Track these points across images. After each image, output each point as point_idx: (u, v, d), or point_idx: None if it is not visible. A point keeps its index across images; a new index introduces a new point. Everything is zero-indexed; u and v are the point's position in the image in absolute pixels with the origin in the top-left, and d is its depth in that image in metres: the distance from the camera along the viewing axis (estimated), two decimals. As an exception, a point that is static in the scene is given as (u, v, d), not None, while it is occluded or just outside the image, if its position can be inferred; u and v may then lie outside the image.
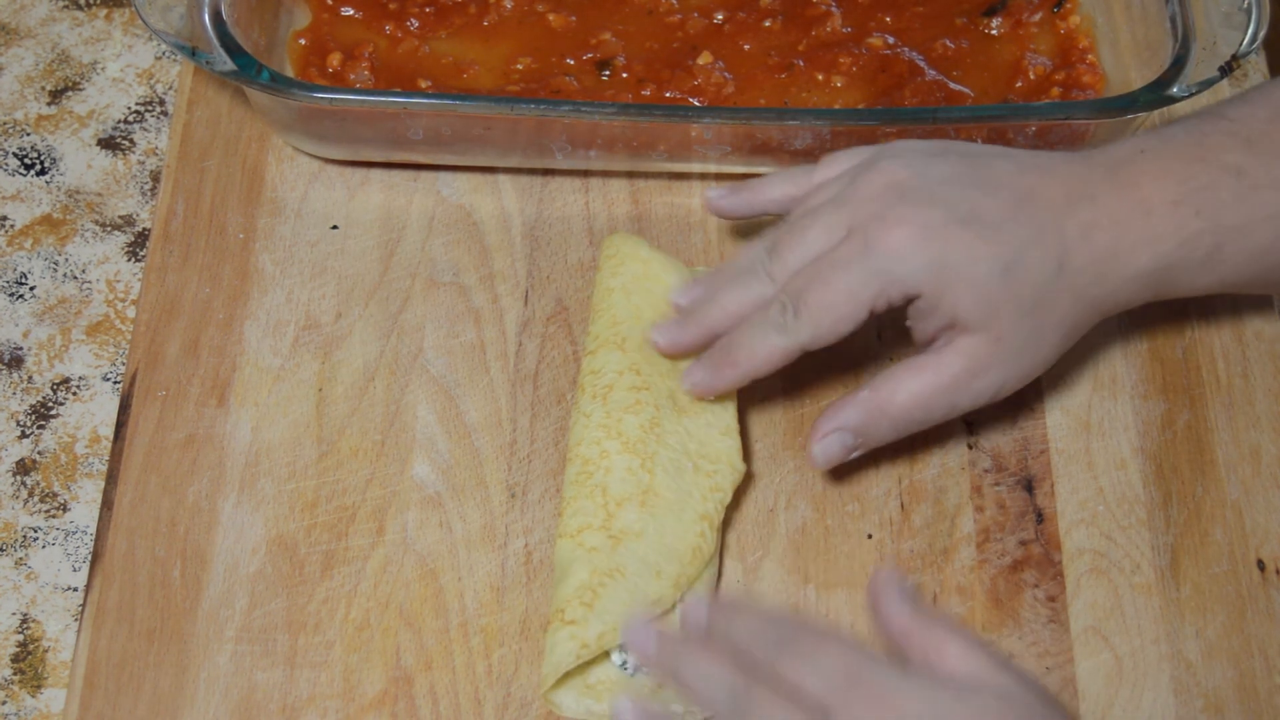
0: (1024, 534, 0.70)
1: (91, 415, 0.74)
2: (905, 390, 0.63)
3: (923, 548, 0.69)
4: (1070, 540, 0.70)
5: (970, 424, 0.73)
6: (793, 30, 0.81)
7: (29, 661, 0.68)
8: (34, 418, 0.74)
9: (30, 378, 0.75)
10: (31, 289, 0.77)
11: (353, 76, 0.77)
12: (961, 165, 0.63)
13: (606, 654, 0.64)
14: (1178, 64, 0.72)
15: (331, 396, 0.73)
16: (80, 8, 0.87)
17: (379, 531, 0.69)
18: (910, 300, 0.61)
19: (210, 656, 0.66)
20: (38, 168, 0.81)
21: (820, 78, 0.79)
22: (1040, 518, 0.70)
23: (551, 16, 0.81)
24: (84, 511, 0.72)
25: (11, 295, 0.77)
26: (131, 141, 0.82)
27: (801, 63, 0.79)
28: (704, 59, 0.79)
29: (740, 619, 0.56)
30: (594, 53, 0.80)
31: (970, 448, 0.72)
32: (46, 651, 0.68)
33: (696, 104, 0.77)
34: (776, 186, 0.68)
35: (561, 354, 0.74)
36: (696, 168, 0.78)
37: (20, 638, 0.68)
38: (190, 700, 0.65)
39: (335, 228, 0.78)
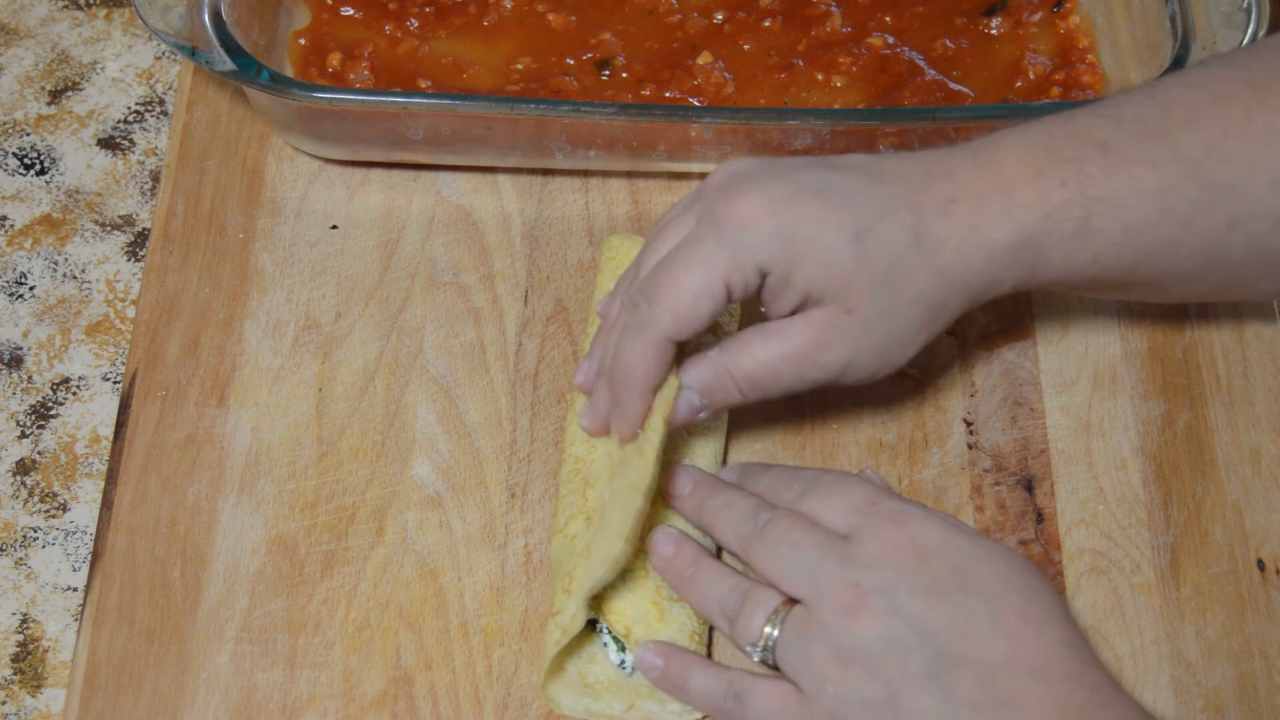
0: (1024, 534, 0.70)
1: (91, 415, 0.74)
2: (752, 356, 0.61)
3: (923, 548, 0.69)
4: (1070, 540, 0.70)
5: (970, 424, 0.73)
6: (792, 30, 0.81)
7: (29, 661, 0.68)
8: (34, 418, 0.74)
9: (30, 378, 0.75)
10: (31, 289, 0.77)
11: (352, 76, 0.77)
12: (813, 159, 0.62)
13: (610, 656, 0.64)
14: (1177, 64, 0.72)
15: (331, 396, 0.73)
16: (80, 8, 0.87)
17: (379, 531, 0.69)
18: (763, 277, 0.59)
19: (210, 656, 0.66)
20: (38, 168, 0.81)
21: (820, 78, 0.79)
22: (1040, 518, 0.70)
23: (551, 16, 0.81)
24: (84, 511, 0.71)
25: (11, 295, 0.77)
26: (131, 141, 0.82)
27: (801, 63, 0.79)
28: (704, 59, 0.79)
29: (767, 472, 0.64)
30: (594, 53, 0.80)
31: (970, 448, 0.72)
32: (46, 651, 0.68)
33: (696, 104, 0.77)
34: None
35: (561, 354, 0.74)
36: (696, 167, 0.78)
37: (20, 638, 0.68)
38: (190, 700, 0.65)
39: (335, 228, 0.78)
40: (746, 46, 0.80)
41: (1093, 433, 0.73)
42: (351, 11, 0.81)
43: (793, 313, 0.60)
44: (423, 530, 0.69)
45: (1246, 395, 0.74)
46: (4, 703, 0.67)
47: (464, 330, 0.75)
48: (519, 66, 0.79)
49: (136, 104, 0.84)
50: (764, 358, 0.61)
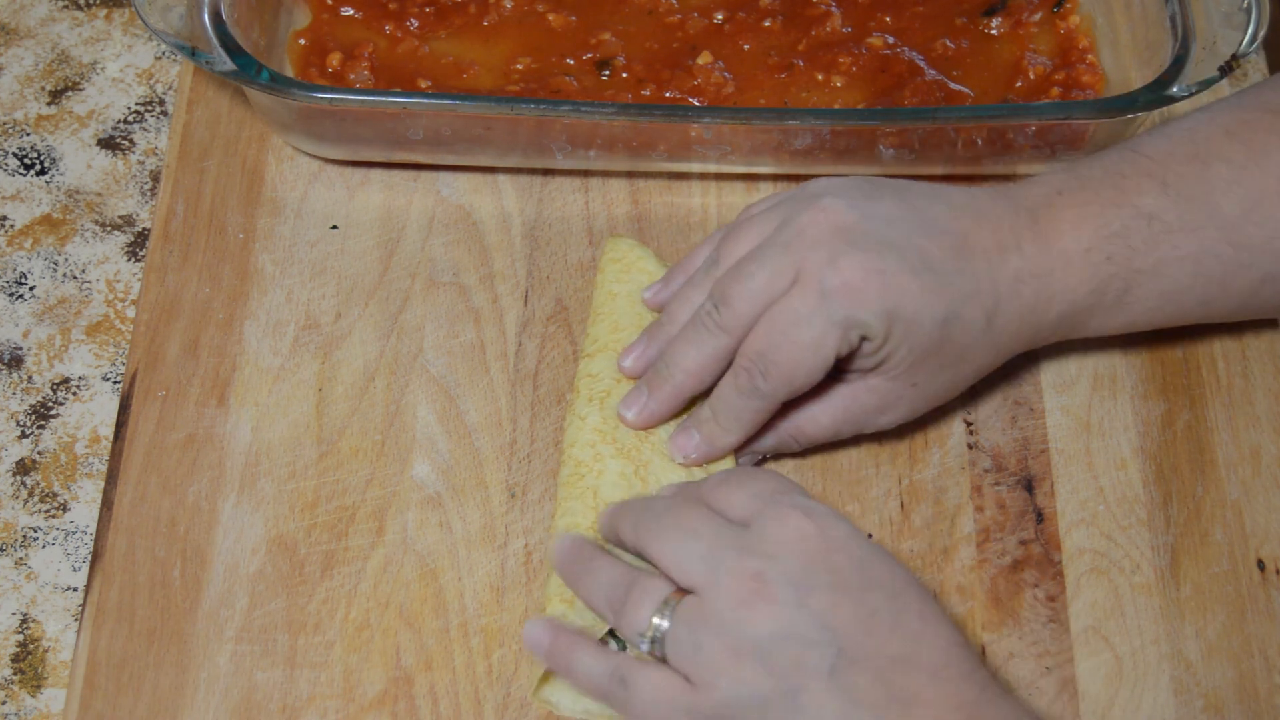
0: (1024, 534, 0.70)
1: (91, 415, 0.74)
2: (816, 424, 0.66)
3: (923, 548, 0.69)
4: (1070, 540, 0.70)
5: (970, 424, 0.73)
6: (793, 30, 0.81)
7: (29, 661, 0.68)
8: (34, 418, 0.74)
9: (30, 378, 0.75)
10: (31, 289, 0.77)
11: (352, 76, 0.77)
12: (901, 207, 0.63)
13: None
14: (1177, 64, 0.72)
15: (331, 396, 0.73)
16: (80, 8, 0.87)
17: (379, 531, 0.69)
18: (862, 342, 0.62)
19: (210, 656, 0.66)
20: (37, 168, 0.81)
21: (820, 78, 0.79)
22: (1040, 517, 0.70)
23: (551, 16, 0.81)
24: (84, 511, 0.71)
25: (11, 295, 0.77)
26: (131, 141, 0.82)
27: (801, 63, 0.79)
28: (704, 59, 0.79)
29: (629, 507, 0.61)
30: (594, 53, 0.80)
31: (970, 448, 0.72)
32: (46, 651, 0.68)
33: (696, 104, 0.77)
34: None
35: (561, 354, 0.74)
36: (696, 168, 0.78)
37: (20, 638, 0.68)
38: (190, 700, 0.65)
39: (335, 228, 0.78)
40: (746, 46, 0.80)
41: (1093, 433, 0.73)
42: (351, 11, 0.81)
43: (857, 366, 0.64)
44: (423, 530, 0.69)
45: (1246, 395, 0.74)
46: (4, 703, 0.67)
47: (464, 330, 0.75)
48: (519, 66, 0.79)
49: (136, 104, 0.84)
50: (827, 424, 0.66)
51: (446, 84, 0.78)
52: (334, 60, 0.78)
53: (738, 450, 0.67)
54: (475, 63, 0.79)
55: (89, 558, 0.70)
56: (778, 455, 0.70)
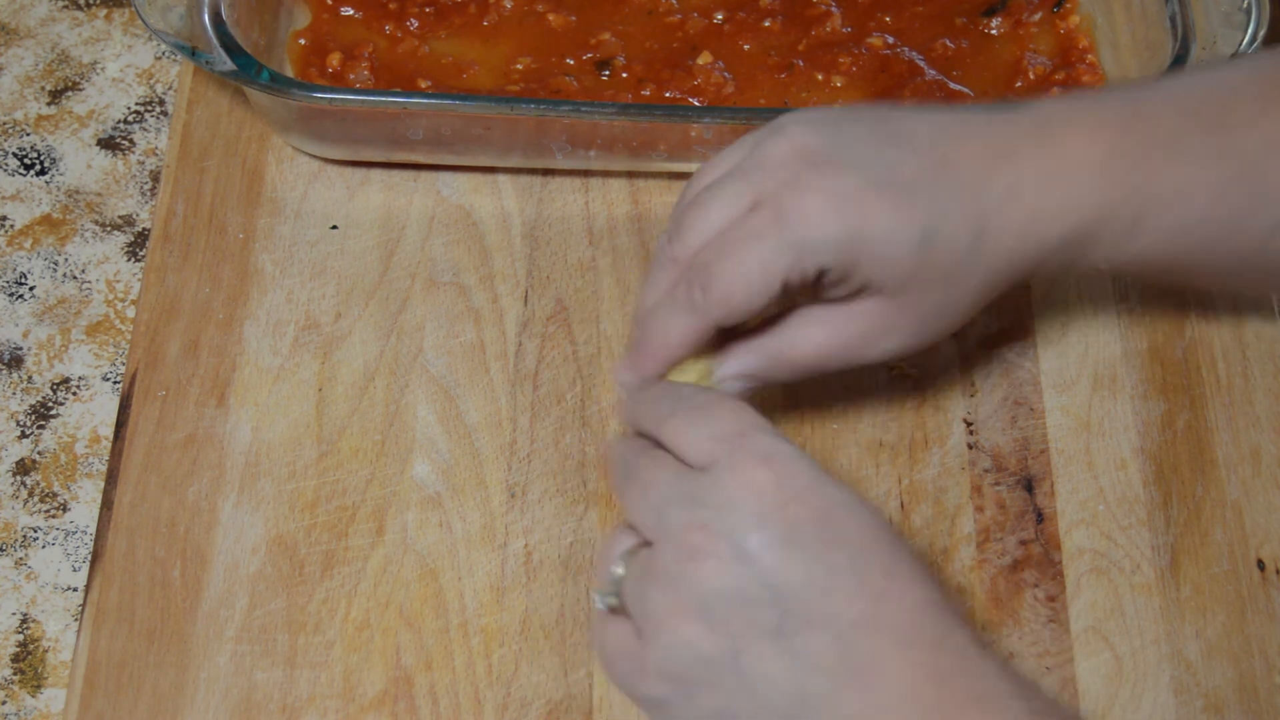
0: (1024, 534, 0.70)
1: (91, 415, 0.74)
2: (807, 342, 0.60)
3: (923, 548, 0.69)
4: (1070, 540, 0.70)
5: (970, 424, 0.73)
6: (793, 30, 0.81)
7: (29, 661, 0.68)
8: (34, 418, 0.74)
9: (30, 378, 0.75)
10: (31, 289, 0.77)
11: (352, 76, 0.77)
12: (875, 124, 0.59)
13: None
14: (1178, 63, 0.72)
15: (331, 396, 0.73)
16: (80, 8, 0.87)
17: (379, 531, 0.69)
18: (822, 273, 0.58)
19: (210, 656, 0.66)
20: (37, 168, 0.81)
21: (820, 78, 0.79)
22: (1040, 517, 0.70)
23: (551, 16, 0.81)
24: (84, 511, 0.71)
25: (11, 295, 0.77)
26: (131, 141, 0.82)
27: (801, 63, 0.79)
28: (704, 59, 0.79)
29: (649, 390, 0.58)
30: (594, 53, 0.80)
31: (970, 448, 0.72)
32: (46, 651, 0.68)
33: (696, 104, 0.77)
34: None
35: (561, 353, 0.74)
36: (697, 167, 0.78)
37: (20, 638, 0.68)
38: (190, 700, 0.65)
39: (335, 228, 0.78)
40: (746, 46, 0.80)
41: (1093, 433, 0.73)
42: (351, 11, 0.81)
43: (840, 295, 0.59)
44: (423, 530, 0.69)
45: (1246, 395, 0.74)
46: (4, 703, 0.67)
47: (464, 330, 0.75)
48: (519, 66, 0.79)
49: (136, 104, 0.84)
50: (816, 346, 0.60)
51: (446, 84, 0.78)
52: (334, 60, 0.78)
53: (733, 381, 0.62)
54: (475, 62, 0.79)
55: (89, 558, 0.70)
56: (768, 386, 0.64)
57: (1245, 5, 0.72)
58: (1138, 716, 0.66)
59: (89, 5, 0.87)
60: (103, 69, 0.85)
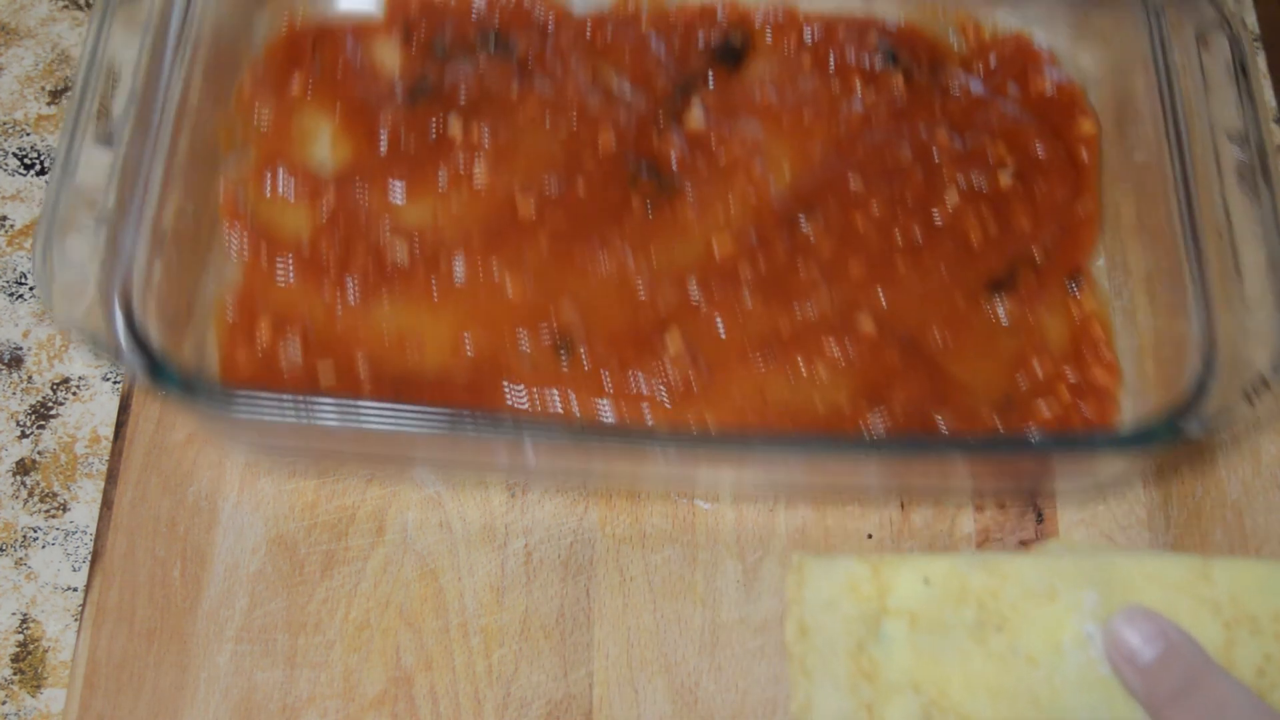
0: (1024, 534, 0.70)
1: (91, 415, 0.74)
2: None
3: (923, 548, 0.69)
4: (1070, 540, 0.70)
5: (970, 424, 0.73)
6: (774, 306, 0.71)
7: (29, 661, 0.68)
8: (34, 418, 0.74)
9: (30, 378, 0.75)
10: (31, 289, 0.78)
11: (282, 355, 0.68)
12: None
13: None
14: (1200, 389, 0.62)
15: (331, 396, 0.72)
16: (80, 8, 0.87)
17: (379, 531, 0.69)
18: None
19: (210, 656, 0.66)
20: (38, 168, 0.81)
21: (802, 367, 0.69)
22: (1040, 518, 0.70)
23: (508, 283, 0.71)
24: (84, 511, 0.72)
25: (11, 295, 0.77)
26: (131, 141, 0.82)
27: (782, 349, 0.70)
28: (673, 342, 0.69)
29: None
30: (552, 328, 0.70)
31: (970, 448, 0.72)
32: (46, 651, 0.68)
33: (664, 392, 0.68)
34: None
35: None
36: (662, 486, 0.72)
37: (20, 638, 0.68)
38: (190, 700, 0.65)
39: None
40: (721, 325, 0.71)
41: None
42: (285, 274, 0.72)
43: None
44: (423, 530, 0.69)
45: (1246, 395, 0.74)
46: (4, 703, 0.67)
47: (464, 330, 0.74)
48: (468, 344, 0.70)
49: (136, 104, 0.84)
50: None
51: (387, 362, 0.69)
52: (262, 331, 0.69)
53: None
54: (421, 336, 0.70)
55: (89, 558, 0.70)
56: None
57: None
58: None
59: (89, 5, 0.87)
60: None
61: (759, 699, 0.66)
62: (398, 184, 0.74)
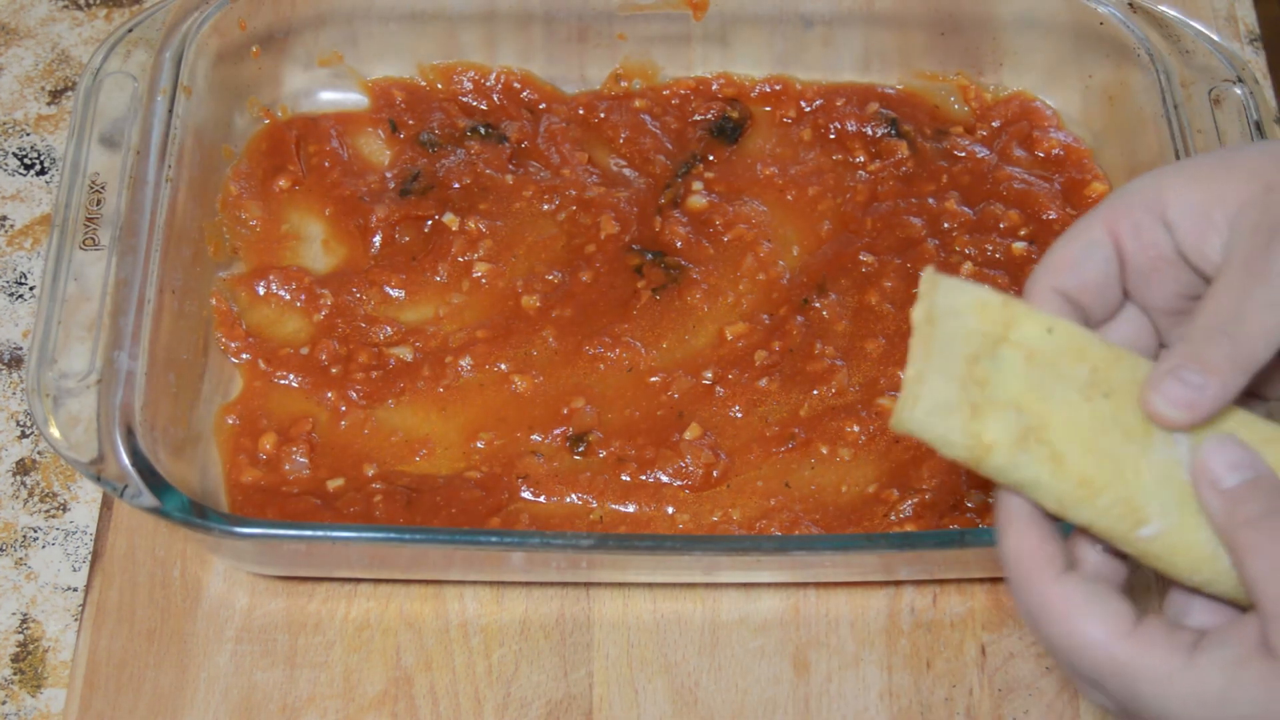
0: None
1: (91, 415, 0.74)
2: None
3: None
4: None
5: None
6: (793, 390, 0.70)
7: (29, 661, 0.68)
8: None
9: (30, 378, 0.75)
10: (31, 289, 0.77)
11: (288, 467, 0.67)
12: None
13: None
14: None
15: (331, 397, 0.72)
16: (80, 8, 0.87)
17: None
18: None
19: (210, 656, 0.66)
20: (38, 168, 0.81)
21: (825, 450, 0.69)
22: (1040, 518, 0.70)
23: (517, 379, 0.70)
24: (84, 511, 0.71)
25: (11, 295, 0.77)
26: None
27: (802, 432, 0.69)
28: (691, 433, 0.68)
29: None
30: (566, 424, 0.69)
31: (970, 448, 0.72)
32: (46, 651, 0.68)
33: (682, 486, 0.68)
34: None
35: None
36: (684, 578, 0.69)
37: (20, 638, 0.68)
38: (190, 700, 0.65)
39: None
40: (739, 413, 0.70)
41: (1093, 433, 0.72)
42: (288, 379, 0.71)
43: None
44: (423, 530, 0.69)
45: (1246, 395, 0.73)
46: (4, 703, 0.67)
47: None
48: (480, 445, 0.69)
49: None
50: None
51: (396, 467, 0.68)
52: (267, 444, 0.68)
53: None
54: (430, 439, 0.69)
55: (89, 558, 0.70)
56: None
57: None
58: (1138, 716, 0.66)
59: (89, 5, 0.87)
60: (103, 69, 0.85)
61: (759, 699, 0.66)
62: (395, 281, 0.73)
